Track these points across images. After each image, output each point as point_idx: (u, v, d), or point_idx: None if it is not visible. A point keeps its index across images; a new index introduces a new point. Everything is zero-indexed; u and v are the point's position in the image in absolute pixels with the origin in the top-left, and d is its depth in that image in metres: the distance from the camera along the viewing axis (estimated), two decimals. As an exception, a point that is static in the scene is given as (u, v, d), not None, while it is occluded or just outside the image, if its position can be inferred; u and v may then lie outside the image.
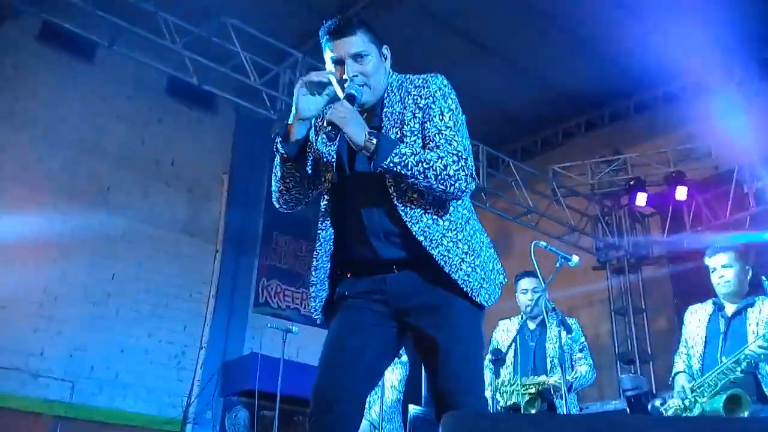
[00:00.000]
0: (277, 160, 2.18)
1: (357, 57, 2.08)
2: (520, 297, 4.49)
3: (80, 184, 7.69)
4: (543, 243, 3.90)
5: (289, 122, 2.17)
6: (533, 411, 3.94)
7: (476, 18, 7.94)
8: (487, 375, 4.02)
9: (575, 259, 3.87)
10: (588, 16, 7.78)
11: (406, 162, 1.94)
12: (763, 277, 3.39)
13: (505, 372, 4.29)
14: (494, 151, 8.62)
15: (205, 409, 7.96)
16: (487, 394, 4.01)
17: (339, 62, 2.10)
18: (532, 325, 4.48)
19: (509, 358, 4.22)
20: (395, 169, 1.94)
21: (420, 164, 1.94)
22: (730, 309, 3.57)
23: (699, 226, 8.28)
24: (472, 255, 2.03)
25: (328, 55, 2.13)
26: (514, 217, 8.73)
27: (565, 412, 3.65)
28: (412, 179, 1.96)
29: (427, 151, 1.99)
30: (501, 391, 4.18)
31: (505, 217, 8.68)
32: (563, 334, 3.79)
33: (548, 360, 4.24)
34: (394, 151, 1.94)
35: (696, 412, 3.40)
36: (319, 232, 2.15)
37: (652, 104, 9.25)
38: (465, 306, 2.02)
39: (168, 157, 8.63)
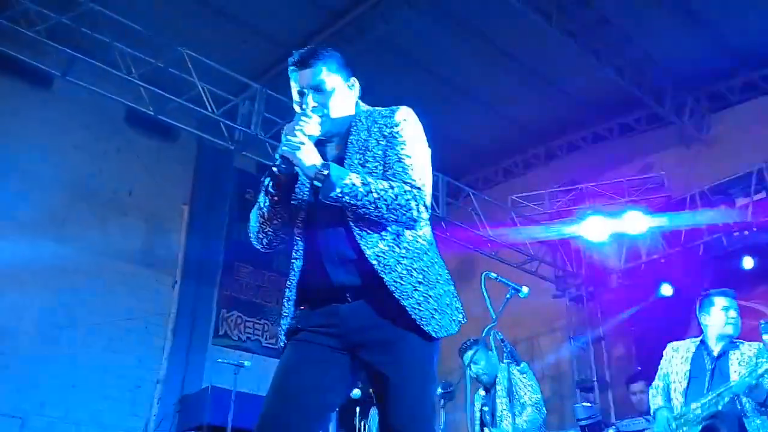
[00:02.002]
0: (266, 202, 2.13)
1: (317, 88, 2.11)
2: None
3: (34, 214, 7.51)
4: (493, 274, 3.92)
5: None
6: None
7: (437, 52, 8.09)
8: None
9: (525, 290, 3.89)
10: (544, 51, 7.98)
11: (356, 192, 1.94)
12: (762, 321, 3.52)
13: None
14: (454, 181, 8.70)
15: (161, 445, 7.78)
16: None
17: (301, 93, 2.13)
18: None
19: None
20: (344, 198, 1.95)
21: (370, 194, 1.95)
22: (716, 350, 3.76)
23: (654, 255, 8.44)
24: (427, 285, 2.01)
25: (293, 86, 2.15)
26: (474, 247, 8.79)
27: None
28: (363, 209, 1.96)
29: (378, 180, 2.00)
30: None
31: (465, 247, 8.74)
32: (513, 368, 3.78)
33: None
34: (344, 181, 1.94)
35: None
36: (292, 261, 2.13)
37: (608, 135, 9.48)
38: (417, 341, 1.99)
39: (126, 187, 8.52)
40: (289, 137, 2.01)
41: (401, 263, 2.01)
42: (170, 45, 6.70)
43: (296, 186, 2.15)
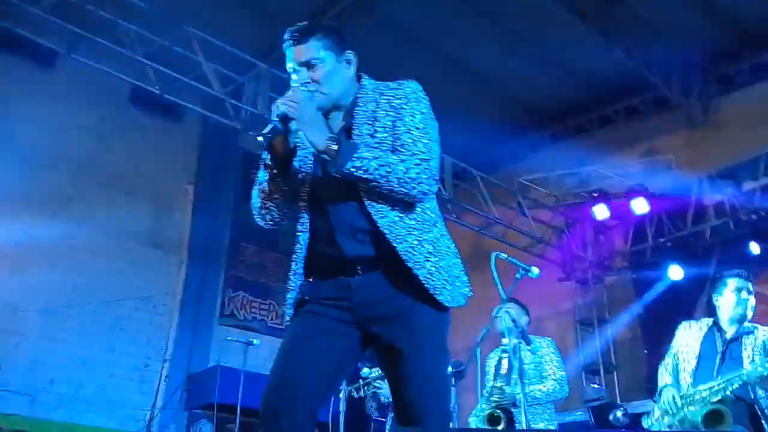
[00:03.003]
0: (266, 176, 2.13)
1: (308, 64, 2.10)
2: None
3: (40, 194, 7.50)
4: (503, 254, 3.91)
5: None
6: None
7: (443, 31, 8.01)
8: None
9: (535, 270, 3.88)
10: (552, 31, 7.90)
11: (367, 166, 1.94)
12: None
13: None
14: (460, 163, 8.67)
15: (169, 422, 7.84)
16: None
17: (293, 70, 2.13)
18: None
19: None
20: (356, 173, 1.94)
21: (381, 168, 1.95)
22: (729, 332, 3.69)
23: (661, 238, 8.43)
24: (437, 256, 2.03)
25: (287, 62, 2.15)
26: (480, 229, 8.78)
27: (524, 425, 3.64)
28: (374, 183, 1.96)
29: (388, 154, 2.00)
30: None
31: (472, 229, 8.73)
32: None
33: None
34: (355, 155, 1.94)
35: (677, 419, 3.53)
36: (297, 234, 2.12)
37: (615, 118, 9.42)
38: (429, 312, 2.01)
39: (131, 166, 8.48)
40: (279, 103, 2.00)
41: (412, 234, 2.01)
42: (176, 23, 6.65)
43: (297, 159, 2.14)
